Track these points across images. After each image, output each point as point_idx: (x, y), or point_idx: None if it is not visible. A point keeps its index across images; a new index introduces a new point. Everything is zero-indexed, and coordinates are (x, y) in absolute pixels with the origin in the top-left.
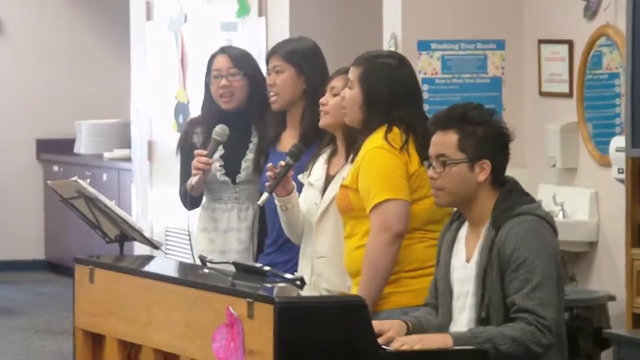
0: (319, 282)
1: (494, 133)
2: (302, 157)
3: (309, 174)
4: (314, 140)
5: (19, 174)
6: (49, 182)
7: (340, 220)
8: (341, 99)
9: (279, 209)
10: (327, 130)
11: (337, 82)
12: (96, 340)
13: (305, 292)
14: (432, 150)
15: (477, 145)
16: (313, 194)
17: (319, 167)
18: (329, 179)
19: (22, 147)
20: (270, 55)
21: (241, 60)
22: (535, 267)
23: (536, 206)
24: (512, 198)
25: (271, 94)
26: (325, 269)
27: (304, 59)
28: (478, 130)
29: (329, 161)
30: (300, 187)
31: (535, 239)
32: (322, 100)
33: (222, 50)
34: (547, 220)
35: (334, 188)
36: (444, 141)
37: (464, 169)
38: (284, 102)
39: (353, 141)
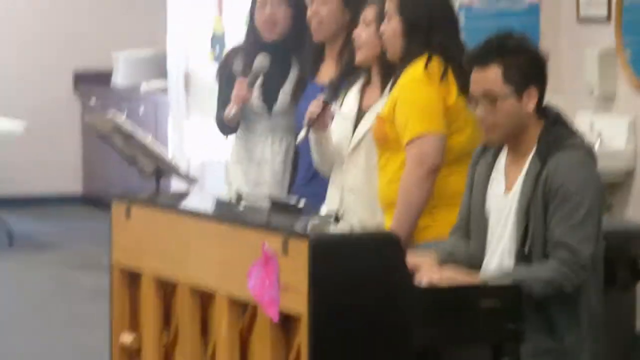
0: (350, 217)
1: (533, 58)
2: (338, 91)
3: (341, 105)
4: (355, 73)
5: (57, 107)
6: (86, 119)
7: (371, 154)
8: (375, 29)
9: (312, 141)
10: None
11: (368, 12)
12: (133, 278)
13: (340, 228)
14: (476, 88)
15: (521, 74)
16: (345, 125)
17: (352, 98)
18: (361, 112)
19: (59, 79)
20: None
21: None
22: (581, 201)
23: (582, 139)
24: (557, 129)
25: (313, 23)
26: (354, 203)
27: None
28: (518, 58)
29: (362, 92)
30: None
31: (583, 174)
32: (354, 34)
33: None
34: (593, 154)
35: (367, 122)
36: (487, 77)
37: (514, 102)
38: (327, 33)
39: (389, 72)
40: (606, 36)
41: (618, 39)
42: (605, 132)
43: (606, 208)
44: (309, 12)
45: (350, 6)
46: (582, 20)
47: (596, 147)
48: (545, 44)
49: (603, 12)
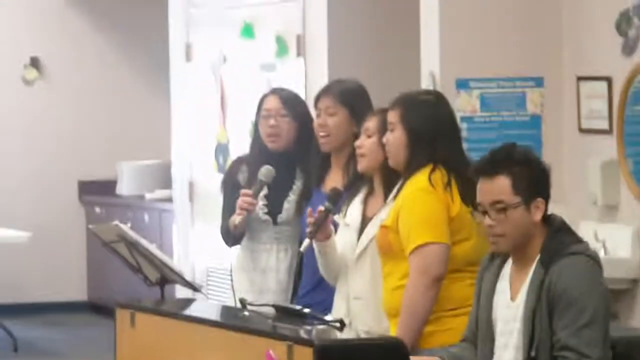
0: (356, 325)
1: (539, 169)
2: (341, 200)
3: (345, 215)
4: (361, 183)
5: (61, 216)
6: (90, 226)
7: (377, 262)
8: (377, 140)
9: (317, 252)
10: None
11: (370, 123)
12: None
13: (345, 335)
14: (485, 198)
15: (529, 184)
16: (349, 234)
17: (355, 208)
18: (366, 220)
19: (64, 189)
20: (321, 96)
21: (291, 102)
22: (585, 306)
23: (586, 246)
24: (560, 237)
25: (321, 134)
26: (361, 310)
27: (357, 101)
28: (526, 169)
29: (365, 202)
30: (335, 227)
31: (587, 280)
32: (357, 143)
33: (274, 91)
34: (597, 261)
35: (371, 230)
36: (496, 187)
37: (522, 212)
38: (335, 144)
39: (391, 182)
40: (608, 147)
41: (620, 149)
42: (610, 241)
43: (612, 316)
44: (316, 124)
45: (357, 118)
46: (584, 131)
47: (601, 255)
48: (548, 154)
49: (604, 123)
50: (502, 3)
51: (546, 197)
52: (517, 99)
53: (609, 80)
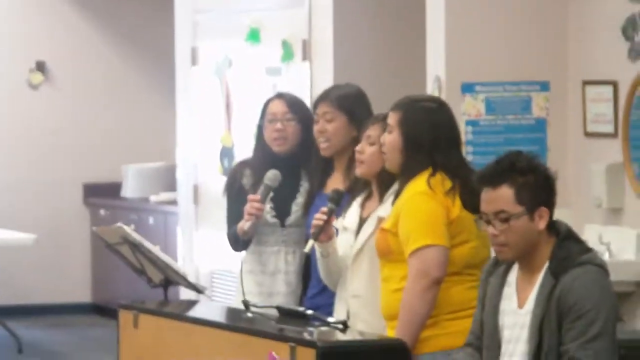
0: (355, 323)
1: (543, 178)
2: (343, 201)
3: (343, 219)
4: (364, 186)
5: (66, 218)
6: (94, 228)
7: (375, 260)
8: (378, 148)
9: (318, 254)
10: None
11: (372, 131)
12: None
13: (347, 336)
14: (489, 208)
15: (533, 194)
16: (348, 237)
17: (353, 211)
18: (363, 222)
19: (69, 191)
20: (319, 102)
21: (297, 106)
22: (596, 318)
23: (594, 255)
24: (568, 245)
25: (321, 140)
26: (360, 308)
27: (355, 106)
28: (529, 179)
29: (362, 205)
30: (336, 232)
31: (598, 291)
32: (357, 148)
33: (279, 95)
34: (606, 269)
35: (368, 228)
36: (499, 196)
37: (525, 221)
38: (335, 149)
39: (387, 185)
40: (613, 151)
41: (625, 154)
42: (614, 244)
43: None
44: (315, 129)
45: (356, 122)
46: (589, 135)
47: (606, 258)
48: (553, 158)
49: (610, 127)
50: (507, 7)
51: (550, 206)
52: (523, 103)
53: (614, 84)
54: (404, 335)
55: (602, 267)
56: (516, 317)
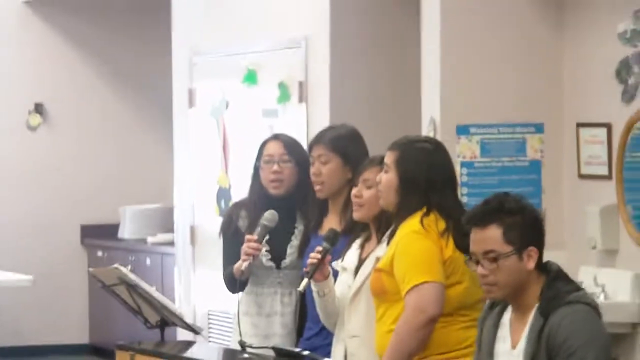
0: None
1: (531, 218)
2: (339, 241)
3: (342, 260)
4: (361, 228)
5: (64, 259)
6: (90, 269)
7: (372, 300)
8: (376, 191)
9: (315, 294)
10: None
11: (369, 174)
12: None
13: None
14: (477, 248)
15: (521, 233)
16: (347, 277)
17: (353, 252)
18: (362, 262)
19: (66, 232)
20: (314, 144)
21: (293, 147)
22: (586, 356)
23: (584, 294)
24: (558, 285)
25: (315, 182)
26: (358, 348)
27: (349, 148)
28: (518, 219)
29: (362, 246)
30: (335, 274)
31: (587, 329)
32: (355, 192)
33: (275, 136)
34: (596, 309)
35: (366, 268)
36: (488, 237)
37: (514, 261)
38: (330, 191)
39: (386, 226)
40: (607, 193)
41: (619, 195)
42: (609, 285)
43: None
44: (311, 172)
45: (350, 164)
46: (584, 176)
47: (600, 300)
48: (547, 199)
49: (604, 169)
50: (502, 50)
51: (539, 246)
52: (517, 145)
53: (608, 126)
54: None
55: (591, 306)
56: (510, 358)
